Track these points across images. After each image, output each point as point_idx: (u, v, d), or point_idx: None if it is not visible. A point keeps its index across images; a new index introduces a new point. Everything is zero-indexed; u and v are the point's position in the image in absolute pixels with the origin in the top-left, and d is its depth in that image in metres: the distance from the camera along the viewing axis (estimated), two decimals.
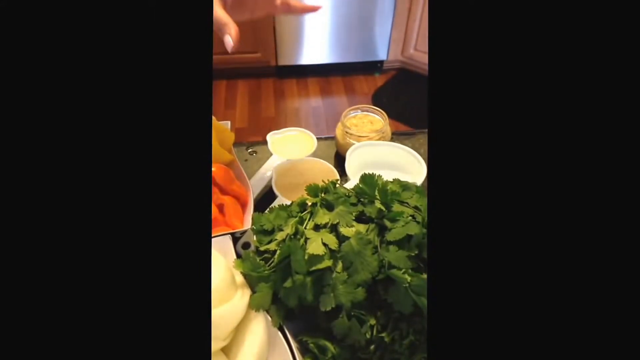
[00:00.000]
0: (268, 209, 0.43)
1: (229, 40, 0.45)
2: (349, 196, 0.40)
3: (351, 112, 0.64)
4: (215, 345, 0.35)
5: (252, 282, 0.39)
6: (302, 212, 0.41)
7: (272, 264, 0.38)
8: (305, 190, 0.42)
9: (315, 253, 0.35)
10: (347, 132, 0.61)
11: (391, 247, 0.35)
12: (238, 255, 0.42)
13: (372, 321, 0.35)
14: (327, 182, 0.42)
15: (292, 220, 0.39)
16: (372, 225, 0.38)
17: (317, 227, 0.38)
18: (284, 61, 2.10)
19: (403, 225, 0.36)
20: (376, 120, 0.64)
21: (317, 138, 0.63)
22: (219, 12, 0.45)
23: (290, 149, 0.60)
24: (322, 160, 0.58)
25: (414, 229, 0.35)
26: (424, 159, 0.56)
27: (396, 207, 0.38)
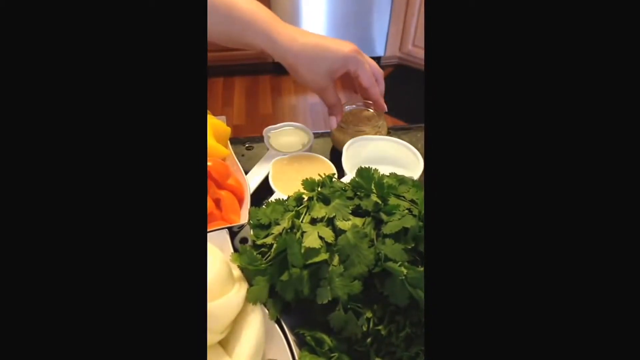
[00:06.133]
0: (265, 204, 0.43)
1: (334, 122, 0.57)
2: (345, 190, 0.40)
3: (347, 106, 0.64)
4: (213, 338, 0.35)
5: (249, 275, 0.39)
6: (298, 207, 0.41)
7: (269, 258, 0.38)
8: (302, 184, 0.42)
9: (311, 246, 0.35)
10: (343, 127, 0.61)
11: (387, 240, 0.35)
12: (235, 250, 0.42)
13: (369, 314, 0.36)
14: (323, 176, 0.42)
15: (289, 214, 0.39)
16: (369, 219, 0.38)
17: (313, 221, 0.38)
18: None
19: (399, 219, 0.36)
20: (372, 114, 0.64)
21: (314, 133, 0.63)
22: (332, 96, 0.55)
23: (287, 144, 0.60)
24: (318, 155, 0.58)
25: (410, 222, 0.36)
26: (421, 153, 0.56)
27: (392, 201, 0.38)
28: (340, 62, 0.51)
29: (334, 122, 0.57)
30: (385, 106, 0.58)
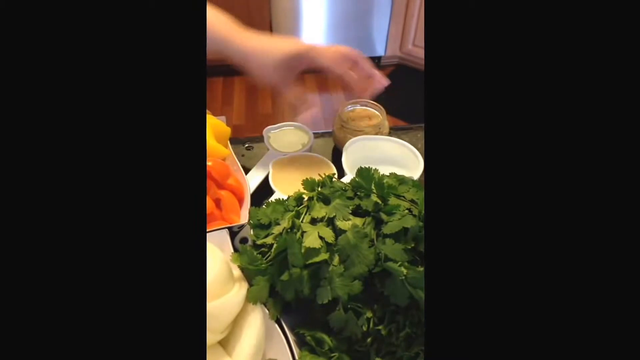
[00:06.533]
0: (265, 204, 0.43)
1: (306, 117, 0.56)
2: (345, 190, 0.40)
3: (349, 106, 0.64)
4: (213, 338, 0.35)
5: (249, 275, 0.39)
6: (298, 207, 0.41)
7: (269, 258, 0.38)
8: (302, 184, 0.42)
9: (312, 246, 0.35)
10: (344, 127, 0.61)
11: (387, 240, 0.35)
12: (236, 250, 0.42)
13: (369, 314, 0.36)
14: (323, 176, 0.42)
15: (289, 214, 0.39)
16: (369, 219, 0.38)
17: (313, 221, 0.38)
18: None
19: (399, 219, 0.36)
20: (374, 114, 0.64)
21: (314, 133, 0.63)
22: (292, 93, 0.54)
23: (287, 144, 0.60)
24: (318, 155, 0.58)
25: (410, 222, 0.36)
26: (421, 153, 0.56)
27: (392, 201, 0.38)
28: (291, 56, 0.52)
29: (306, 117, 0.55)
30: (381, 79, 0.55)
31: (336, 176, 0.44)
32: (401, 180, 0.42)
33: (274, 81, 0.53)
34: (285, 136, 0.62)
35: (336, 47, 0.55)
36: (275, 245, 0.38)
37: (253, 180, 0.55)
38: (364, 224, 0.37)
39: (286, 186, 0.53)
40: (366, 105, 0.64)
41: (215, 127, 0.56)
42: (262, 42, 0.53)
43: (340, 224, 0.37)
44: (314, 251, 0.35)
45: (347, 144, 0.56)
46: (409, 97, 2.02)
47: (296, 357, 0.36)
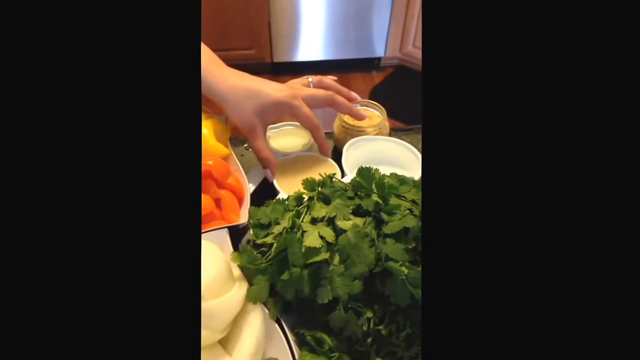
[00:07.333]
0: (265, 204, 0.43)
1: (270, 175, 0.54)
2: (345, 190, 0.40)
3: None
4: (213, 337, 0.35)
5: (249, 275, 0.39)
6: (298, 206, 0.41)
7: (269, 257, 0.38)
8: (302, 184, 0.42)
9: (312, 246, 0.35)
10: (344, 127, 0.61)
11: (388, 240, 0.35)
12: (236, 249, 0.42)
13: (369, 314, 0.36)
14: (324, 175, 0.42)
15: (289, 214, 0.39)
16: (369, 219, 0.38)
17: (314, 221, 0.38)
18: (279, 58, 2.09)
19: (400, 219, 0.36)
20: (374, 115, 0.64)
21: None
22: (262, 146, 0.53)
23: (287, 144, 0.60)
24: (319, 155, 0.58)
25: (411, 222, 0.36)
26: (421, 154, 0.56)
27: (393, 201, 0.38)
28: (270, 105, 0.51)
29: (268, 174, 0.53)
30: (329, 152, 0.58)
31: (338, 176, 0.44)
32: (402, 180, 0.42)
33: (249, 123, 0.52)
34: (285, 136, 0.62)
35: (314, 92, 0.56)
36: (275, 245, 0.38)
37: (252, 179, 0.55)
38: (364, 223, 0.37)
39: (287, 186, 0.53)
40: (367, 106, 0.64)
41: (216, 126, 0.56)
42: (244, 83, 0.51)
43: (340, 223, 0.37)
44: (314, 251, 0.35)
45: (347, 145, 0.56)
46: (409, 99, 2.02)
47: (296, 357, 0.36)
